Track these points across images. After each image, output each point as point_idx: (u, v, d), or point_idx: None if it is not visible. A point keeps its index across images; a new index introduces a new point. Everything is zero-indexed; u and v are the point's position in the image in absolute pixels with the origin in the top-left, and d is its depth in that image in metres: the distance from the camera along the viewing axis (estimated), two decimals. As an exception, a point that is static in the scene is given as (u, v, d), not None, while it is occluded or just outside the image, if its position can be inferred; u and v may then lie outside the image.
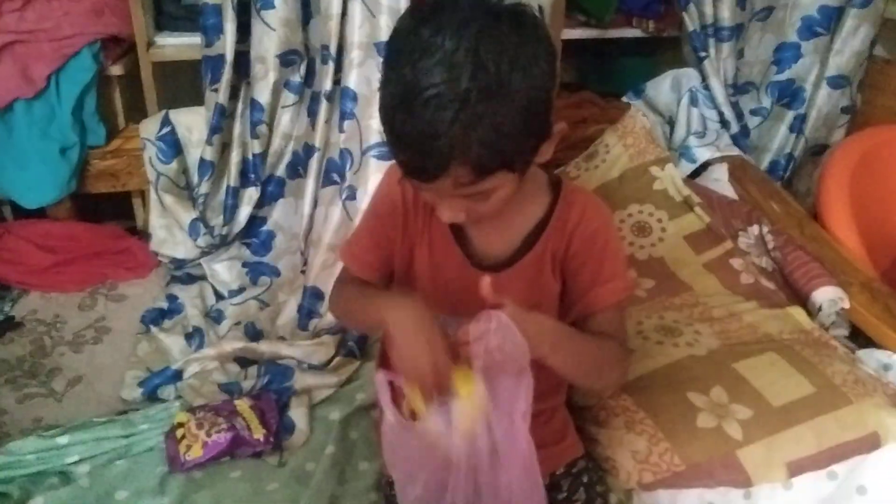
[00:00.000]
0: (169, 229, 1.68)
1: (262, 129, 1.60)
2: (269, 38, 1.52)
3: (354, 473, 1.19)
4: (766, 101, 2.05)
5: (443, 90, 0.71)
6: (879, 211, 1.75)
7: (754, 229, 1.62)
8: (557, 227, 0.93)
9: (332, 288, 1.09)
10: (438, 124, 0.72)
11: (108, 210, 1.84)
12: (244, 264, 1.68)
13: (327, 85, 1.52)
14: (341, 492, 1.15)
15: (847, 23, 1.91)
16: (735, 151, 1.94)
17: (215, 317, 1.57)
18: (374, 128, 1.51)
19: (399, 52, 0.75)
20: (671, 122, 2.03)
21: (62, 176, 1.64)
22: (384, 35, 1.45)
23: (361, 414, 1.32)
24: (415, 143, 0.75)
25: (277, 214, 1.70)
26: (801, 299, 1.48)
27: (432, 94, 0.71)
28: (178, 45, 1.73)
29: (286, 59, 1.55)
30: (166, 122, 1.66)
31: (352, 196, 1.54)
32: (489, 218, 0.86)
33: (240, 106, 1.61)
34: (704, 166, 1.90)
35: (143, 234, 1.74)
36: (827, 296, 1.45)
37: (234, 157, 1.61)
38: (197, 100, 1.64)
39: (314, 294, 1.56)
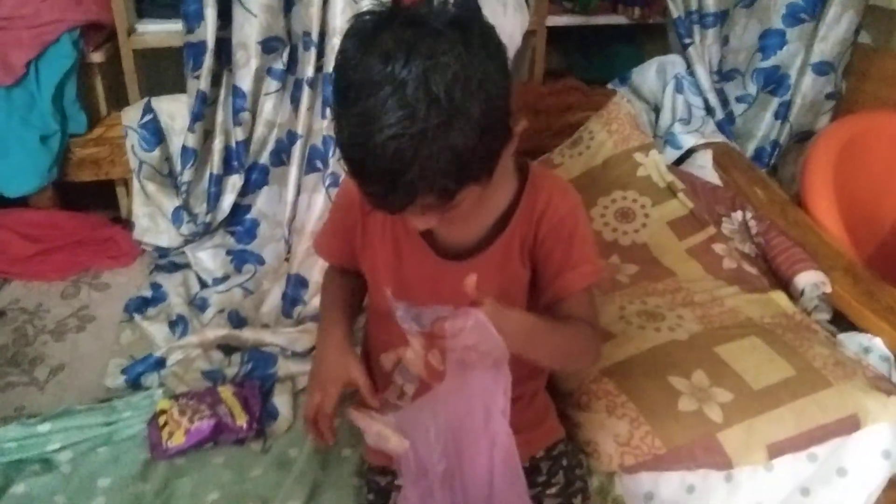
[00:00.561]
0: (152, 217, 1.67)
1: (245, 116, 1.59)
2: (250, 25, 1.51)
3: (337, 460, 1.19)
4: (752, 88, 2.05)
5: (399, 129, 0.69)
6: (864, 197, 1.76)
7: (738, 215, 1.62)
8: (525, 214, 0.92)
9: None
10: (399, 162, 0.70)
11: (91, 199, 1.83)
12: (228, 252, 1.68)
13: (309, 71, 1.51)
14: (324, 478, 1.15)
15: (832, 9, 1.91)
16: (720, 138, 1.94)
17: (199, 305, 1.56)
18: (356, 114, 1.50)
19: (349, 86, 0.73)
20: (657, 109, 2.04)
21: (43, 164, 1.63)
22: (366, 21, 1.44)
23: (344, 401, 1.31)
24: (378, 181, 0.74)
25: (261, 202, 1.69)
26: (784, 284, 1.49)
27: (390, 135, 0.69)
28: (160, 31, 1.71)
29: (268, 46, 1.54)
30: (148, 109, 1.65)
31: (335, 183, 1.54)
32: (459, 219, 0.86)
33: (222, 93, 1.60)
34: (689, 153, 1.91)
35: (127, 223, 1.73)
36: (809, 280, 1.46)
37: (217, 144, 1.60)
38: (179, 87, 1.63)
39: (298, 282, 1.56)
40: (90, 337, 1.48)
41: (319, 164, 1.57)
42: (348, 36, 0.75)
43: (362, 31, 0.74)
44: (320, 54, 1.51)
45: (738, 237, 1.58)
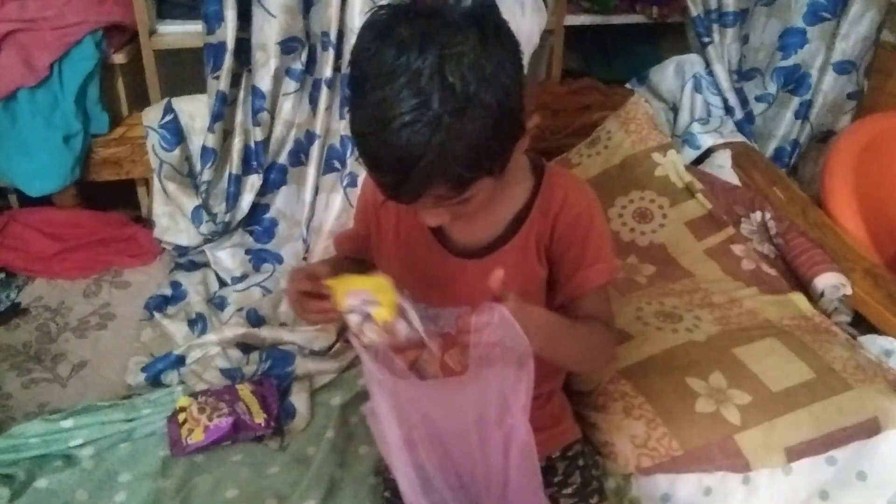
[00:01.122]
0: (172, 217, 1.69)
1: (264, 116, 1.61)
2: (269, 26, 1.52)
3: (355, 458, 1.20)
4: (772, 87, 2.03)
5: (414, 116, 0.70)
6: (885, 198, 1.73)
7: (757, 216, 1.61)
8: (541, 212, 0.93)
9: None
10: (413, 150, 0.71)
11: (112, 198, 1.85)
12: (247, 251, 1.69)
13: (328, 72, 1.52)
14: (341, 475, 1.16)
15: (853, 7, 1.89)
16: (739, 138, 1.93)
17: (218, 303, 1.58)
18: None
19: (364, 77, 0.74)
20: (675, 109, 2.02)
21: (66, 164, 1.65)
22: (385, 21, 1.44)
23: (362, 399, 1.32)
24: (391, 169, 0.75)
25: (280, 202, 1.70)
26: (804, 286, 1.48)
27: (404, 122, 0.70)
28: (180, 32, 1.73)
29: (287, 47, 1.55)
30: (169, 109, 1.66)
31: (353, 183, 1.55)
32: (473, 216, 0.86)
33: (241, 93, 1.61)
34: (708, 153, 1.89)
35: (147, 222, 1.75)
36: (829, 282, 1.44)
37: (236, 144, 1.61)
38: (199, 87, 1.64)
39: (316, 281, 1.56)
40: (111, 334, 1.50)
41: (337, 164, 1.58)
42: (365, 28, 0.76)
43: (378, 23, 0.75)
44: (339, 55, 1.52)
45: (756, 238, 1.57)
